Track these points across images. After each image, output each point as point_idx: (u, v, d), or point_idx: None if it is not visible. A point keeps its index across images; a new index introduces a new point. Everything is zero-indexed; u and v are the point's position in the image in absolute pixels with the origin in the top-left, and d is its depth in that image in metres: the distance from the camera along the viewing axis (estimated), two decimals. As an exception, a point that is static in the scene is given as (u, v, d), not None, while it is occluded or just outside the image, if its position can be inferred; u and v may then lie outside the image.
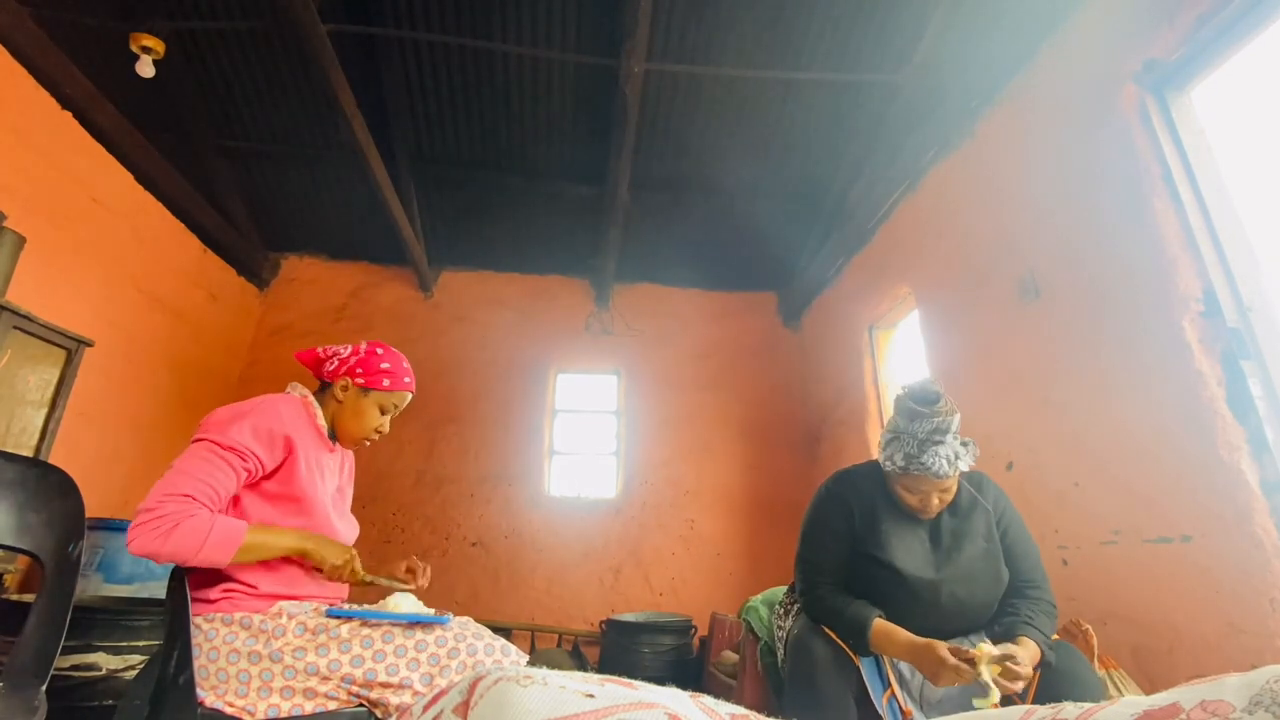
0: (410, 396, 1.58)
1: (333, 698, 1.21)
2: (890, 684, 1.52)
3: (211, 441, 1.27)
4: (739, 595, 4.12)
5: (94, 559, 2.81)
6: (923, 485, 1.56)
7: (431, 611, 1.34)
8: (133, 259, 3.70)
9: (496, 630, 1.66)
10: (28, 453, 2.72)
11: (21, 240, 2.71)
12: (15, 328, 2.60)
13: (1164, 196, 2.00)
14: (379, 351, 1.53)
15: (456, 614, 1.37)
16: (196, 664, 1.20)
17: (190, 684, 1.16)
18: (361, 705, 1.23)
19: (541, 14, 3.38)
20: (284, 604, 1.31)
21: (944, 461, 1.50)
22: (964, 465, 1.55)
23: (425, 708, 0.68)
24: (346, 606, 1.37)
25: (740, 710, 0.67)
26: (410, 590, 1.43)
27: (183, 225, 4.13)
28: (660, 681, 0.74)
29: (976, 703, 1.32)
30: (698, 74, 3.62)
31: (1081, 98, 2.35)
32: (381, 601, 1.38)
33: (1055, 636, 1.55)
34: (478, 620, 1.42)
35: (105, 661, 1.86)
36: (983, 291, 2.82)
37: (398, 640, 1.25)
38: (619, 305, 5.23)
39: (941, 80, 3.11)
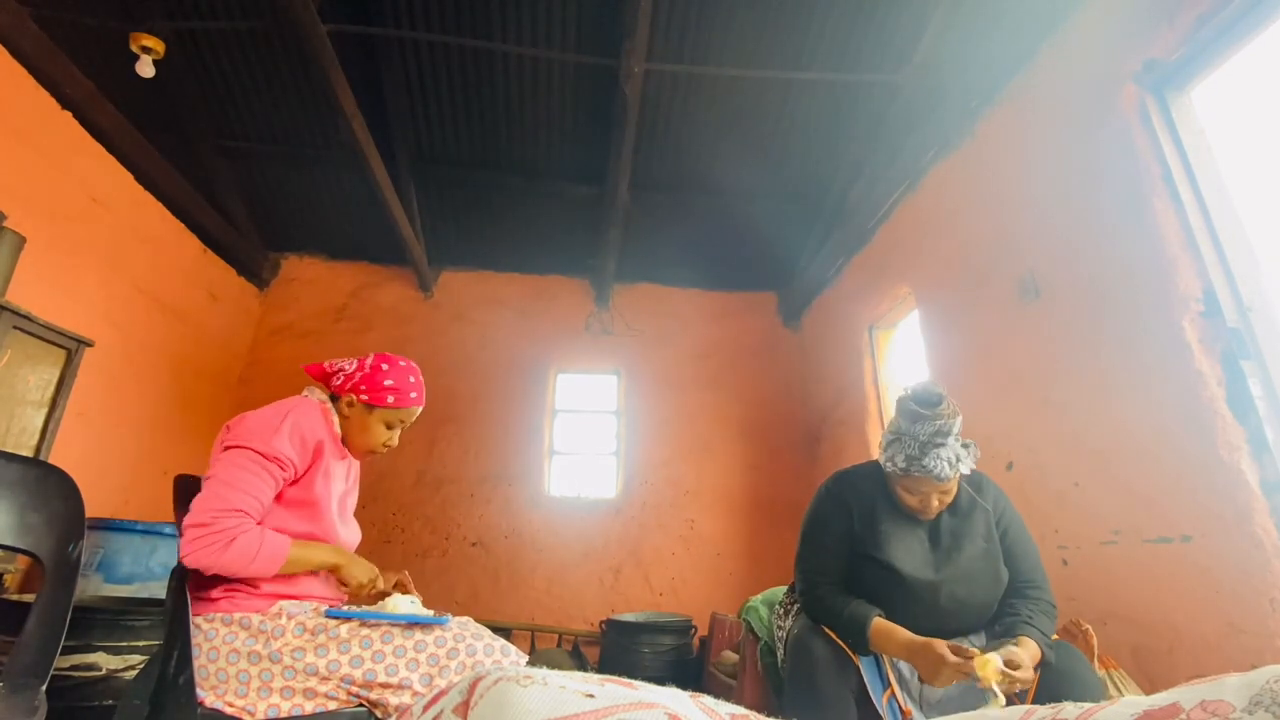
0: (419, 410, 1.57)
1: (332, 698, 1.22)
2: (890, 684, 1.52)
3: (256, 451, 1.28)
4: (739, 595, 4.12)
5: (94, 559, 2.81)
6: (923, 487, 1.56)
7: (430, 613, 1.34)
8: (133, 259, 3.70)
9: (496, 630, 1.67)
10: (28, 453, 2.72)
11: (21, 240, 2.71)
12: (15, 328, 2.60)
13: (1164, 196, 2.00)
14: (384, 367, 1.51)
15: (456, 614, 1.38)
16: (196, 664, 1.20)
17: (190, 684, 1.16)
18: (361, 705, 1.24)
19: (541, 14, 3.38)
20: (284, 604, 1.31)
21: (945, 464, 1.50)
22: (965, 468, 1.55)
23: (425, 708, 0.68)
24: (346, 607, 1.37)
25: (740, 710, 0.67)
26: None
27: (183, 225, 4.13)
28: (660, 681, 0.74)
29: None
30: (698, 74, 3.62)
31: (1081, 98, 2.35)
32: (380, 602, 1.38)
33: (1055, 636, 1.55)
34: (478, 620, 1.42)
35: (105, 661, 1.86)
36: (983, 291, 2.82)
37: (397, 641, 1.25)
38: (619, 305, 5.23)
39: (941, 80, 3.11)
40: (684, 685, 1.12)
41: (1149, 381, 1.99)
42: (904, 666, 1.54)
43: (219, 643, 1.23)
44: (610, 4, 3.27)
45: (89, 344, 2.97)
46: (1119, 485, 2.08)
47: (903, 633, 1.48)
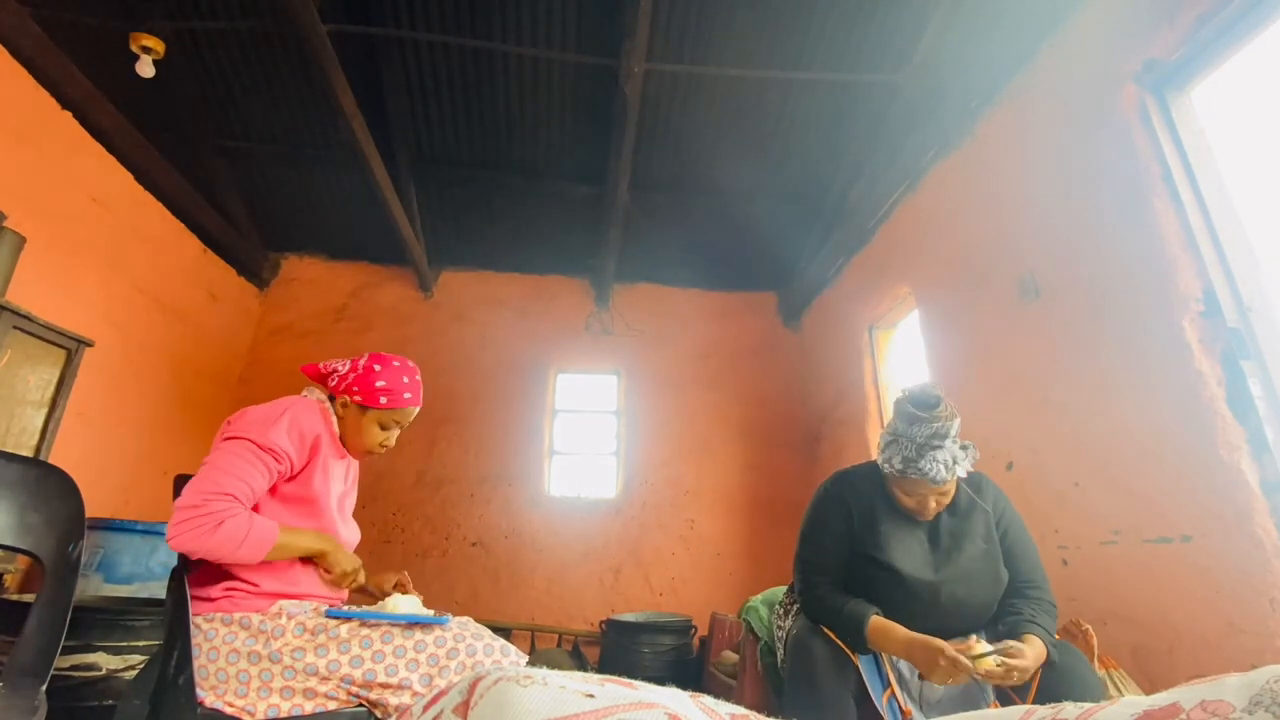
0: (415, 410, 1.55)
1: (332, 698, 1.22)
2: (890, 684, 1.52)
3: (251, 441, 1.29)
4: (739, 595, 4.12)
5: (94, 559, 2.81)
6: (920, 489, 1.57)
7: (431, 613, 1.34)
8: (133, 259, 3.70)
9: (496, 630, 1.67)
10: (28, 453, 2.72)
11: (21, 240, 2.71)
12: (15, 328, 2.60)
13: (1164, 196, 2.00)
14: (376, 368, 1.49)
15: (456, 614, 1.38)
16: (196, 664, 1.20)
17: (190, 684, 1.16)
18: (361, 705, 1.24)
19: (541, 14, 3.38)
20: (284, 603, 1.31)
21: (941, 466, 1.50)
22: (962, 470, 1.55)
23: (425, 708, 0.68)
24: (346, 607, 1.37)
25: (740, 710, 0.67)
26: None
27: (183, 225, 4.13)
28: (660, 681, 0.74)
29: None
30: (698, 74, 3.62)
31: (1081, 98, 2.35)
32: (380, 602, 1.38)
33: (1055, 636, 1.55)
34: (478, 620, 1.42)
35: (105, 661, 1.86)
36: (983, 291, 2.82)
37: (397, 641, 1.25)
38: (619, 305, 5.23)
39: (941, 80, 3.11)
40: (684, 685, 1.12)
41: (1149, 381, 1.99)
42: (904, 666, 1.55)
43: (219, 643, 1.23)
44: (610, 4, 3.27)
45: (89, 344, 2.97)
46: (1119, 485, 2.08)
47: (901, 630, 1.48)
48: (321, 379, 1.56)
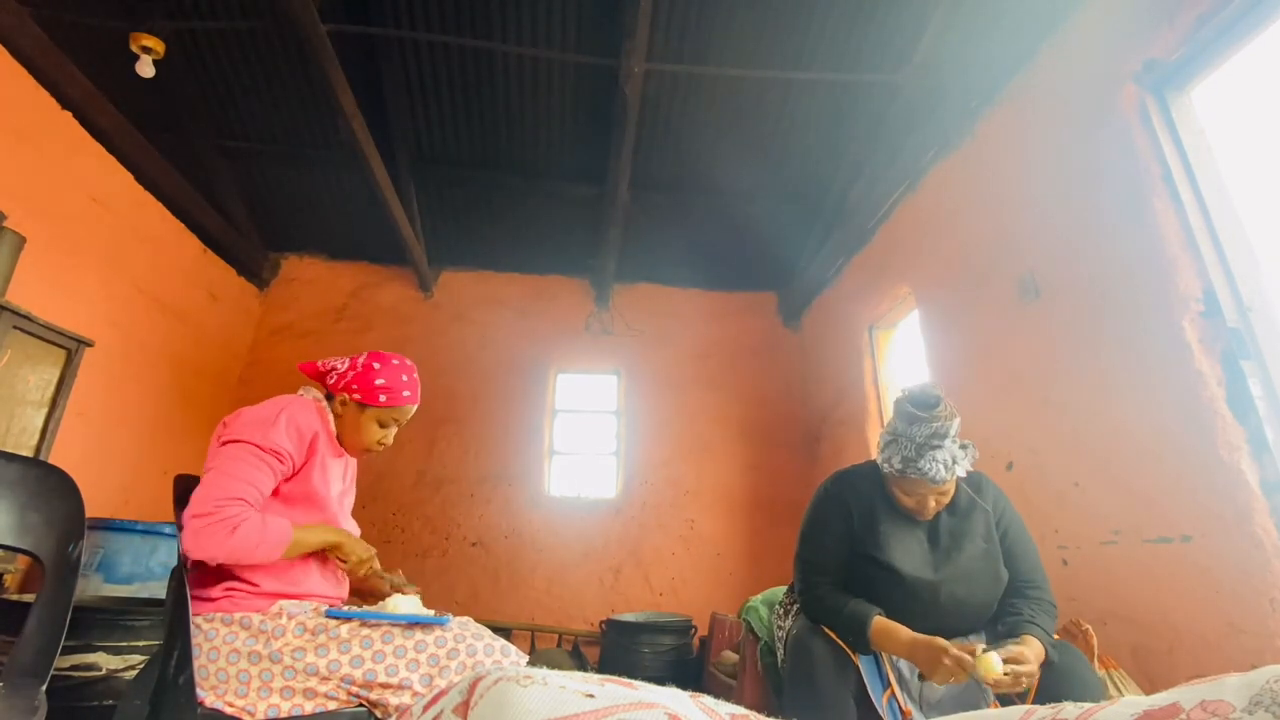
0: (413, 409, 1.56)
1: (332, 698, 1.22)
2: (890, 684, 1.52)
3: (253, 444, 1.30)
4: (739, 595, 4.12)
5: (94, 559, 2.81)
6: (919, 488, 1.57)
7: (431, 613, 1.34)
8: (133, 259, 3.70)
9: (496, 630, 1.67)
10: (28, 453, 2.72)
11: (21, 240, 2.71)
12: (15, 328, 2.60)
13: (1164, 196, 2.00)
14: (375, 366, 1.50)
15: (456, 614, 1.38)
16: (196, 664, 1.20)
17: (190, 684, 1.16)
18: (361, 705, 1.24)
19: (541, 14, 3.38)
20: (284, 603, 1.31)
21: (941, 466, 1.51)
22: (961, 470, 1.55)
23: (425, 708, 0.68)
24: (346, 608, 1.37)
25: (740, 710, 0.67)
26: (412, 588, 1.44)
27: (183, 225, 4.13)
28: (660, 681, 0.74)
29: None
30: (698, 74, 3.61)
31: (1081, 98, 2.35)
32: (381, 602, 1.38)
33: (1055, 636, 1.55)
34: (478, 620, 1.42)
35: (105, 661, 1.86)
36: (983, 291, 2.82)
37: (397, 641, 1.25)
38: (619, 305, 5.23)
39: (941, 80, 3.11)
40: (684, 685, 1.12)
41: (1149, 381, 1.99)
42: (904, 666, 1.55)
43: (219, 642, 1.23)
44: (610, 4, 3.27)
45: (89, 344, 2.97)
46: (1119, 485, 2.08)
47: (904, 631, 1.48)
48: (320, 377, 1.56)
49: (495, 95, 3.88)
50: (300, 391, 1.53)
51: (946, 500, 1.62)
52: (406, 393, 1.52)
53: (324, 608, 1.33)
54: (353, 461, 1.62)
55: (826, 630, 1.56)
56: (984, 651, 1.35)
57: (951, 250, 3.09)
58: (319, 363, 1.56)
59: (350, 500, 1.60)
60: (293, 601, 1.33)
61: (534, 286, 5.27)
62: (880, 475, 1.69)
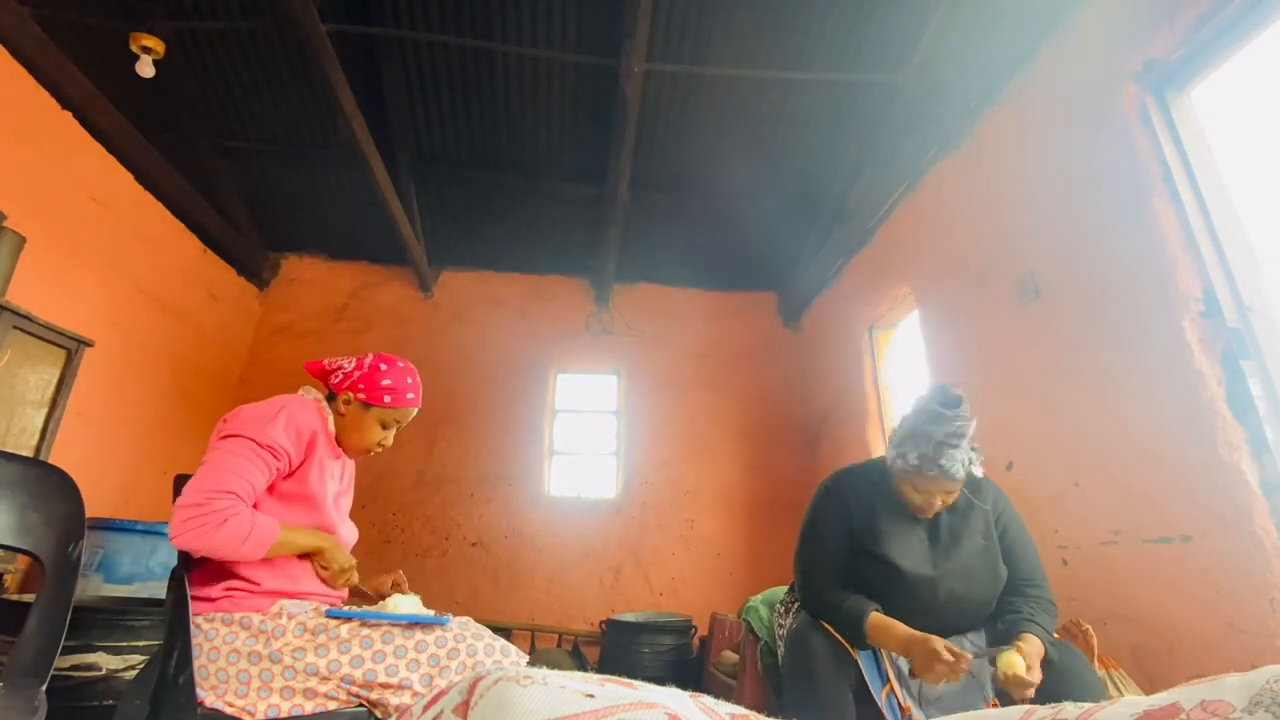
0: (415, 411, 1.58)
1: (332, 698, 1.22)
2: (889, 680, 1.53)
3: (250, 439, 1.29)
4: (739, 595, 4.12)
5: (94, 559, 2.81)
6: (931, 485, 1.57)
7: (431, 613, 1.34)
8: (133, 259, 3.70)
9: (496, 630, 1.67)
10: (28, 453, 2.72)
11: (21, 240, 2.71)
12: (15, 328, 2.60)
13: (1164, 196, 2.00)
14: (382, 367, 1.52)
15: (456, 614, 1.38)
16: (196, 664, 1.20)
17: (190, 684, 1.16)
18: (361, 705, 1.24)
19: (541, 14, 3.38)
20: (284, 603, 1.31)
21: (959, 465, 1.52)
22: (977, 471, 1.56)
23: (425, 708, 0.68)
24: (346, 607, 1.37)
25: (740, 710, 0.67)
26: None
27: (183, 225, 4.13)
28: (660, 681, 0.74)
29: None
30: (698, 74, 3.61)
31: (1081, 98, 2.35)
32: (381, 602, 1.38)
33: (1055, 635, 1.55)
34: (478, 620, 1.42)
35: (105, 661, 1.86)
36: (983, 291, 2.82)
37: (397, 641, 1.25)
38: (619, 305, 5.23)
39: (941, 80, 3.11)
40: (684, 685, 1.12)
41: (1149, 381, 1.99)
42: (903, 663, 1.55)
43: (219, 643, 1.23)
44: (610, 4, 3.27)
45: (89, 344, 2.97)
46: (1119, 485, 2.08)
47: (900, 627, 1.48)
48: (324, 376, 1.56)
49: (495, 95, 3.88)
50: (301, 391, 1.53)
51: (951, 500, 1.62)
52: (410, 395, 1.54)
53: (324, 608, 1.33)
54: (350, 463, 1.62)
55: (826, 626, 1.57)
56: (1004, 650, 1.36)
57: (951, 250, 3.09)
58: (325, 362, 1.57)
59: (348, 502, 1.60)
60: (293, 601, 1.33)
61: (534, 286, 5.27)
62: (880, 474, 1.70)
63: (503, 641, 1.32)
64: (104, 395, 3.48)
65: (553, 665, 0.94)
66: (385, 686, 1.21)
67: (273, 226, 4.91)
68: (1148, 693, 1.24)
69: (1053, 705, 0.66)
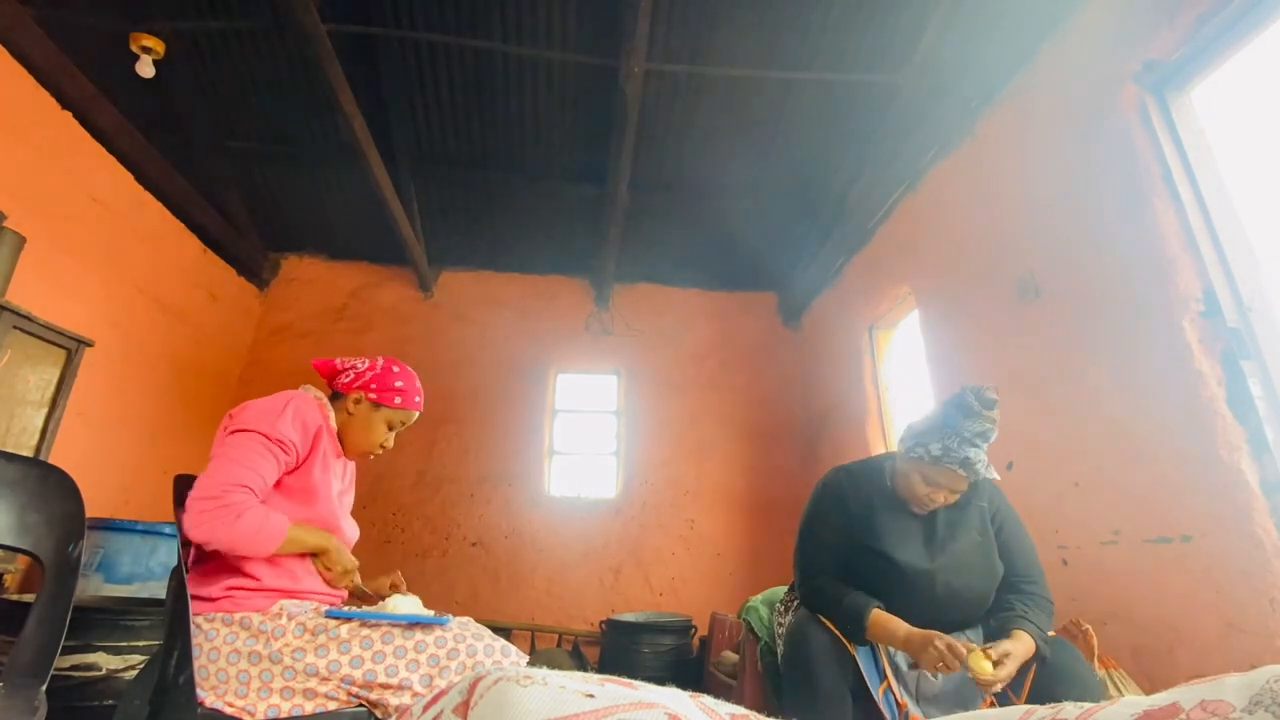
0: (417, 416, 1.62)
1: (332, 698, 1.22)
2: (886, 677, 1.53)
3: (261, 434, 1.31)
4: (739, 595, 4.12)
5: (94, 559, 2.81)
6: (943, 478, 1.57)
7: (431, 613, 1.34)
8: (133, 259, 3.70)
9: (496, 630, 1.67)
10: (28, 453, 2.72)
11: (21, 240, 2.71)
12: (15, 328, 2.60)
13: (1164, 196, 2.00)
14: (394, 369, 1.57)
15: (456, 614, 1.38)
16: (196, 664, 1.20)
17: (190, 684, 1.16)
18: (361, 706, 1.24)
19: (541, 14, 3.38)
20: (285, 603, 1.31)
21: (980, 465, 1.52)
22: (993, 473, 1.56)
23: (425, 708, 0.68)
24: (346, 608, 1.38)
25: (740, 710, 0.67)
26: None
27: (183, 225, 4.13)
28: (660, 681, 0.74)
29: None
30: (698, 74, 3.61)
31: (1081, 98, 2.35)
32: (381, 603, 1.39)
33: (1054, 634, 1.56)
34: (478, 620, 1.42)
35: (105, 661, 1.86)
36: (983, 291, 2.81)
37: (397, 641, 1.25)
38: (619, 305, 5.23)
39: (941, 80, 3.11)
40: (684, 685, 1.12)
41: (1149, 381, 1.99)
42: (901, 660, 1.55)
43: (219, 643, 1.23)
44: (610, 4, 3.26)
45: (89, 344, 2.97)
46: (1119, 485, 2.08)
47: (901, 624, 1.49)
48: (333, 374, 1.58)
49: (495, 95, 3.87)
50: (301, 389, 1.54)
51: (954, 499, 1.63)
52: (417, 398, 1.60)
53: (324, 608, 1.33)
54: (350, 463, 1.63)
55: (825, 622, 1.57)
56: (976, 649, 1.36)
57: (951, 250, 3.09)
58: (336, 361, 1.59)
59: (350, 500, 1.61)
60: (293, 601, 1.33)
61: (534, 286, 5.27)
62: (879, 471, 1.72)
63: (503, 642, 1.32)
64: (104, 395, 3.48)
65: (553, 665, 0.94)
66: (385, 687, 1.21)
67: (273, 226, 4.91)
68: (1148, 693, 1.24)
69: (1053, 705, 0.66)
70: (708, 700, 0.66)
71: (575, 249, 4.98)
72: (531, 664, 0.93)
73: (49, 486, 1.24)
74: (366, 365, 1.56)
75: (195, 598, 1.28)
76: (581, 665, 4.05)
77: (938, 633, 1.41)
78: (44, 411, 2.80)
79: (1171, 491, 1.89)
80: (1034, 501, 2.37)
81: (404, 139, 4.15)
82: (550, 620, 4.39)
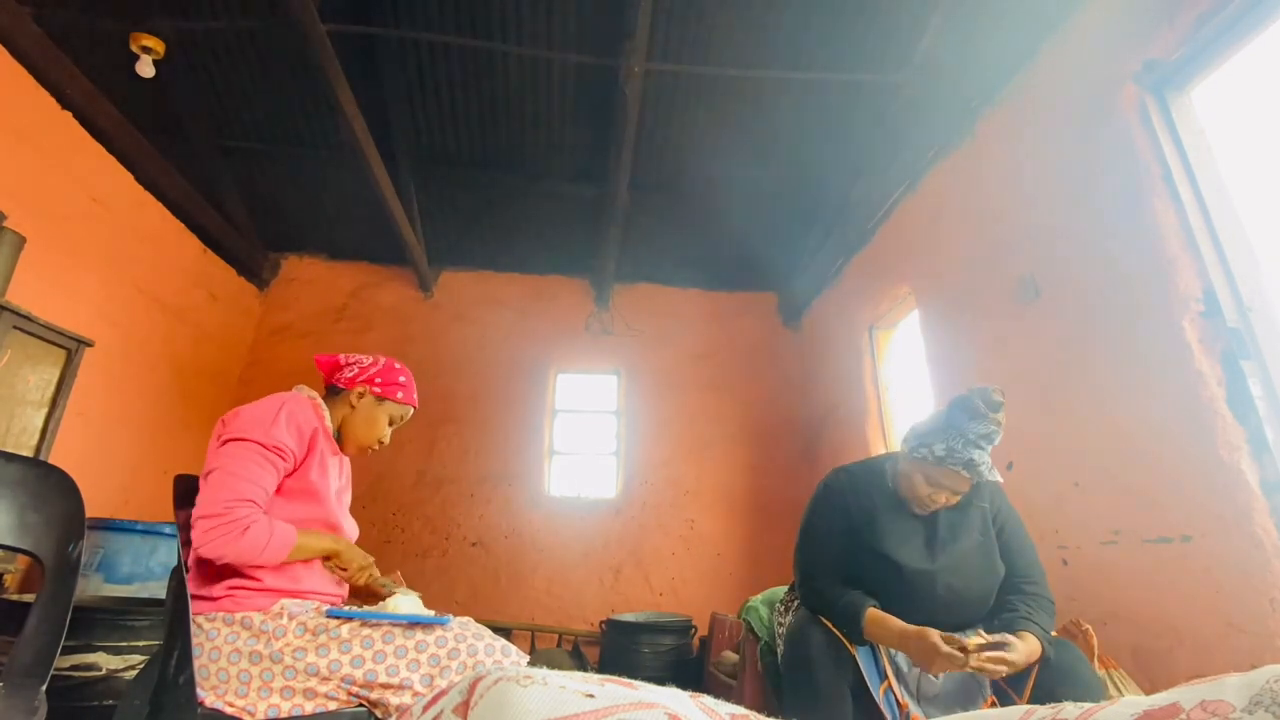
0: (413, 412, 1.68)
1: (333, 698, 1.22)
2: (887, 677, 1.53)
3: (257, 443, 1.32)
4: (739, 595, 4.12)
5: (94, 559, 2.81)
6: (946, 479, 1.57)
7: (431, 613, 1.34)
8: (133, 259, 3.70)
9: (496, 630, 1.67)
10: (28, 453, 2.72)
11: (21, 240, 2.71)
12: (15, 328, 2.60)
13: (1164, 196, 2.00)
14: (397, 365, 1.64)
15: (456, 614, 1.38)
16: (197, 664, 1.20)
17: (190, 684, 1.16)
18: (361, 705, 1.24)
19: (541, 14, 3.38)
20: (285, 603, 1.31)
21: (984, 467, 1.52)
22: (996, 477, 1.56)
23: (425, 708, 0.68)
24: (347, 607, 1.38)
25: (740, 710, 0.67)
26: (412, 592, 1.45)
27: (183, 225, 4.13)
28: (660, 681, 0.74)
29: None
30: (698, 74, 3.61)
31: (1081, 98, 2.35)
32: (382, 602, 1.39)
33: (1054, 634, 1.56)
34: (478, 620, 1.42)
35: (105, 661, 1.86)
36: (983, 291, 2.82)
37: (398, 641, 1.25)
38: (619, 305, 5.23)
39: (941, 80, 3.11)
40: (684, 685, 1.12)
41: (1149, 382, 1.99)
42: (901, 660, 1.55)
43: (220, 642, 1.23)
44: (610, 4, 3.26)
45: (89, 344, 2.97)
46: (1119, 485, 2.08)
47: (896, 622, 1.49)
48: (337, 369, 1.61)
49: (496, 95, 3.87)
50: (295, 389, 1.54)
51: (955, 500, 1.63)
52: (415, 395, 1.66)
53: (325, 608, 1.33)
54: (347, 461, 1.64)
55: (825, 622, 1.58)
56: (977, 644, 1.36)
57: (951, 250, 3.09)
58: (340, 356, 1.63)
59: (348, 497, 1.61)
60: (294, 601, 1.33)
61: (534, 286, 5.27)
62: (879, 472, 1.72)
63: (503, 641, 1.32)
64: (104, 395, 3.48)
65: (553, 665, 0.94)
66: (386, 686, 1.21)
67: (273, 226, 4.91)
68: (1148, 693, 1.24)
69: (1053, 705, 0.66)
70: (708, 700, 0.66)
71: (575, 249, 4.98)
72: (531, 664, 0.93)
73: (49, 486, 1.24)
74: (371, 361, 1.62)
75: (196, 597, 1.28)
76: (581, 665, 4.05)
77: (933, 630, 1.41)
78: (44, 411, 2.80)
79: (1171, 491, 1.89)
80: (1034, 501, 2.37)
81: (404, 139, 4.15)
82: (550, 620, 4.39)
